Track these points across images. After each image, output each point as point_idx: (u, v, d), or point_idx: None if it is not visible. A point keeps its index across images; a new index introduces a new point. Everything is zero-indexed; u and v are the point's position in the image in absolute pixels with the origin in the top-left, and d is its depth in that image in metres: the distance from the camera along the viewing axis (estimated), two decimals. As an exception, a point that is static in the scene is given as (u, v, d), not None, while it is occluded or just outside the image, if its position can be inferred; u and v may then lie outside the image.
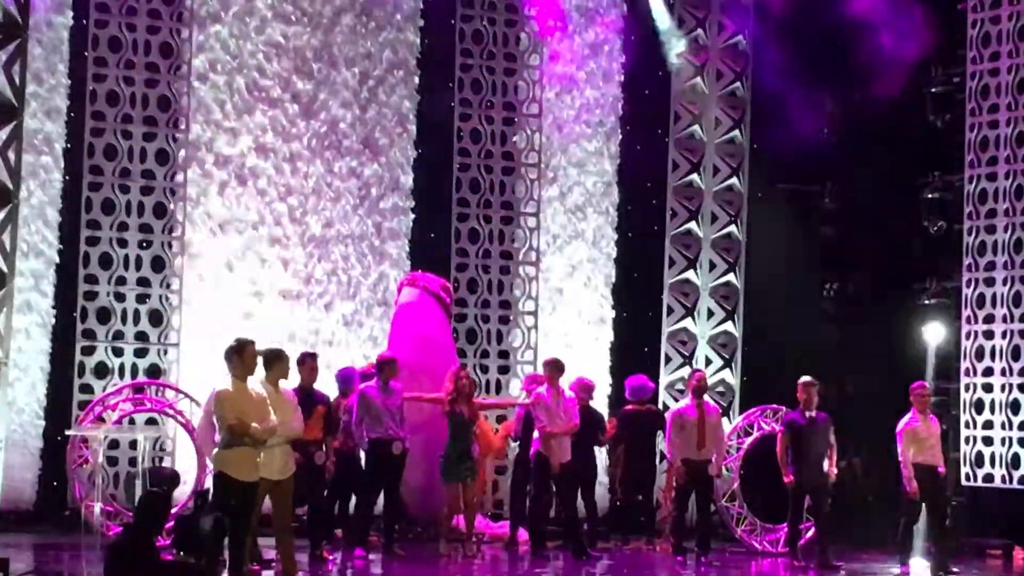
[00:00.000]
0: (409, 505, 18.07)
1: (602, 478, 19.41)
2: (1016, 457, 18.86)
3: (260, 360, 13.49)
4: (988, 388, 19.25)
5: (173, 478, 16.67)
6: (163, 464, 18.44)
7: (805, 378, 17.39)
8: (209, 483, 14.32)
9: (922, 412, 16.91)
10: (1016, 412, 18.93)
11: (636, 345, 21.28)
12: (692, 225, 21.60)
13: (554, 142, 21.12)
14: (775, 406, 18.98)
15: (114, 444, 18.50)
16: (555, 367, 17.53)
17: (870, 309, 21.46)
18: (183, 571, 10.76)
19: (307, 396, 15.53)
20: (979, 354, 19.38)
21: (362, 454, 16.85)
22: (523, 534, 17.94)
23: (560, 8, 21.03)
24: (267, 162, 19.62)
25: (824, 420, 17.22)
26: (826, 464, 17.12)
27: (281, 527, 13.98)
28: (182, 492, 17.20)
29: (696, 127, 21.63)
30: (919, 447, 16.74)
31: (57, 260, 19.11)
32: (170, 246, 19.41)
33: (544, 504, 17.70)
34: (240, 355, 13.09)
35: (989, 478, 19.11)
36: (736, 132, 21.71)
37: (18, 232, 17.86)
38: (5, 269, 17.47)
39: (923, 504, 16.81)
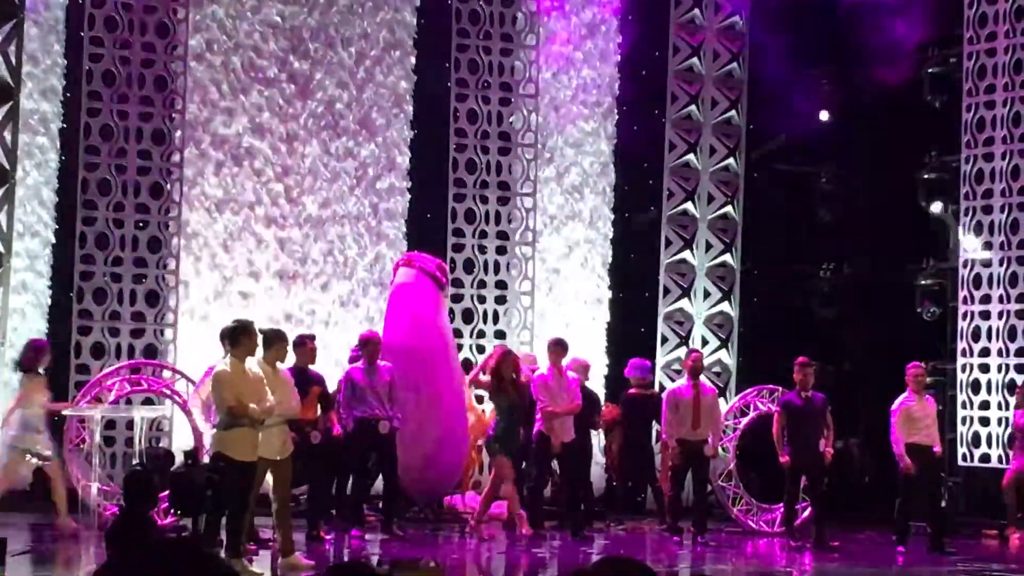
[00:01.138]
0: (407, 486, 18.05)
1: (598, 458, 19.44)
2: (1012, 439, 18.86)
3: (260, 340, 13.56)
4: (985, 368, 19.26)
5: (168, 457, 16.68)
6: (160, 444, 18.45)
7: (801, 359, 17.44)
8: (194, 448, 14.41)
9: (917, 392, 16.93)
10: (1012, 393, 18.93)
11: (633, 325, 21.30)
12: (688, 205, 21.58)
13: (551, 122, 21.09)
14: (771, 386, 18.99)
15: (111, 424, 18.49)
16: (557, 346, 17.57)
17: (866, 289, 21.50)
18: (182, 547, 10.74)
19: (303, 376, 15.55)
20: (975, 334, 19.39)
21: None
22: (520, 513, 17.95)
23: (557, -13, 21.02)
24: (263, 142, 19.58)
25: (820, 401, 17.23)
26: (822, 444, 17.14)
27: (280, 506, 14.01)
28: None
29: (693, 107, 21.60)
30: (914, 427, 16.76)
31: (53, 240, 19.10)
32: (167, 226, 19.39)
33: (543, 484, 17.73)
34: (247, 335, 13.17)
35: (985, 458, 19.13)
36: (733, 112, 21.68)
37: (14, 212, 17.85)
38: (2, 249, 17.47)
39: (919, 484, 16.83)
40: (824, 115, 21.62)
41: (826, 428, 17.17)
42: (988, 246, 19.22)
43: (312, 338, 16.37)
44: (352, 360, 17.42)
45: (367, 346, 16.85)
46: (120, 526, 10.67)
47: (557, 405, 17.20)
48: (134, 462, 15.88)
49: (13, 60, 17.56)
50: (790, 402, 17.23)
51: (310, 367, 16.17)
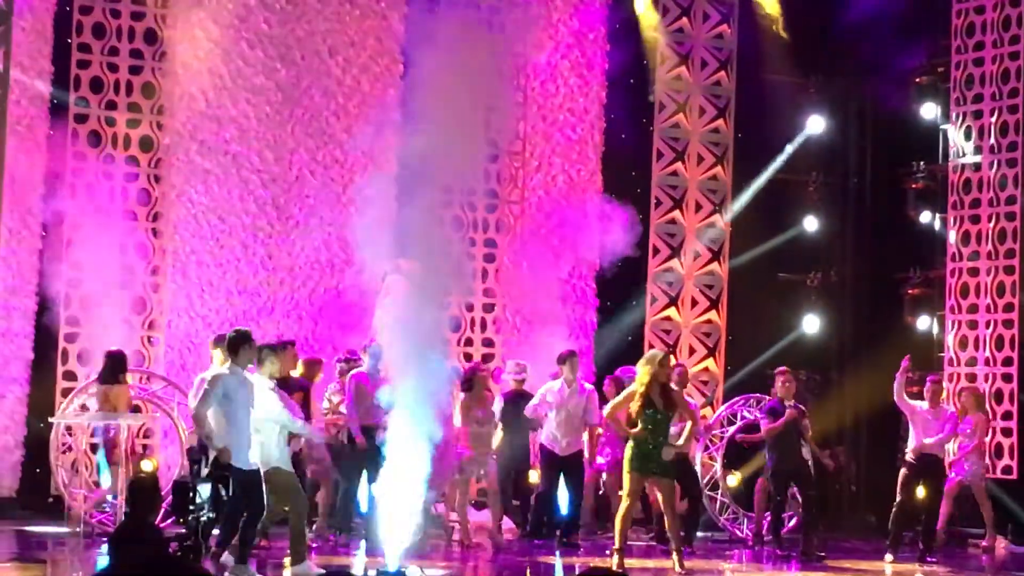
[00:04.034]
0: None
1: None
2: (999, 447, 18.90)
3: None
4: (972, 378, 19.27)
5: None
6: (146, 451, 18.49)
7: (781, 368, 17.50)
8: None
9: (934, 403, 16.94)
10: (999, 402, 18.97)
11: (620, 334, 21.26)
12: (676, 214, 21.58)
13: (538, 130, 21.06)
14: (758, 395, 18.98)
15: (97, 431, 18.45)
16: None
17: (853, 299, 21.52)
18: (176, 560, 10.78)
19: (285, 384, 15.49)
20: (963, 344, 19.42)
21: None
22: (507, 522, 17.97)
23: (545, -5, 21.00)
24: (250, 150, 19.55)
25: (800, 409, 17.24)
26: (806, 451, 17.14)
27: (295, 517, 14.09)
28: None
29: (680, 116, 21.58)
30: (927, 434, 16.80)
31: (40, 247, 19.05)
32: (154, 233, 19.40)
33: (551, 493, 17.74)
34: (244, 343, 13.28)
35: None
36: (720, 121, 21.67)
37: (2, 218, 17.83)
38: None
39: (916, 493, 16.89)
40: (812, 123, 21.62)
41: (802, 437, 17.19)
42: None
43: (292, 344, 16.38)
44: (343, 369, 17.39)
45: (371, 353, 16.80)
46: (125, 532, 10.67)
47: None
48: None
49: (1, 66, 17.56)
50: (775, 410, 17.21)
51: (292, 373, 16.16)
